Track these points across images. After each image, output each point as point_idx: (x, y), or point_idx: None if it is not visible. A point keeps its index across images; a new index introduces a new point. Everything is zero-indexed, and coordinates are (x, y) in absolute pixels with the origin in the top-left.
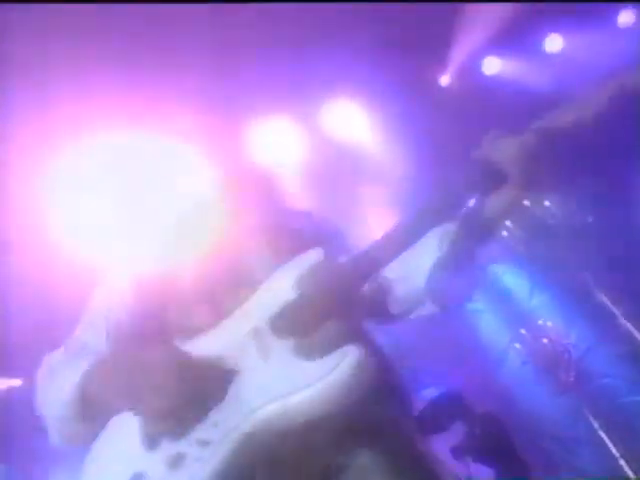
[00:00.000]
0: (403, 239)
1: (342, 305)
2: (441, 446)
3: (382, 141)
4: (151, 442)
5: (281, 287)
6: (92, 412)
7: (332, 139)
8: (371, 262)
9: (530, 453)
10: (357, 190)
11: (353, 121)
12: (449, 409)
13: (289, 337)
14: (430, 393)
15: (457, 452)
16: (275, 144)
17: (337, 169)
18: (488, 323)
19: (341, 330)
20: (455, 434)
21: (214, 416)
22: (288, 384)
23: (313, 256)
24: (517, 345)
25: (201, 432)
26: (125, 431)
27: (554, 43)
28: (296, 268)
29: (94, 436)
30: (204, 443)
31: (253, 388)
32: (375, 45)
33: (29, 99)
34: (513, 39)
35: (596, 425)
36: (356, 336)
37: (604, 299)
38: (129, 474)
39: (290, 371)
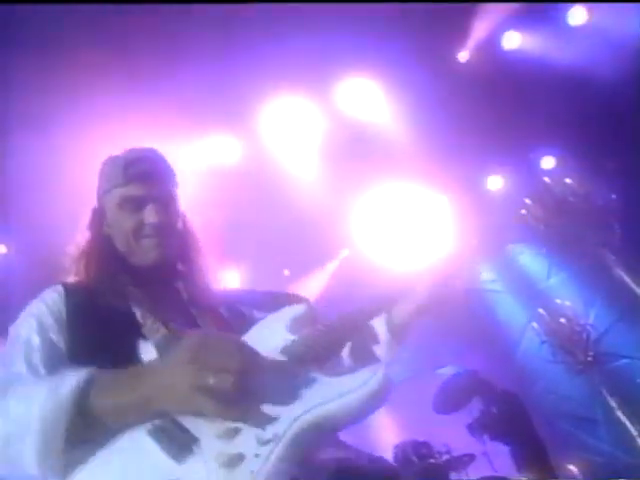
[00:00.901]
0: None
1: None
2: (458, 423)
3: (399, 118)
4: (184, 452)
5: (275, 330)
6: (89, 433)
7: (348, 116)
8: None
9: (547, 432)
10: (373, 166)
11: (370, 98)
12: (466, 387)
13: (309, 364)
14: (447, 372)
15: (474, 429)
16: (291, 122)
17: (353, 146)
18: (506, 302)
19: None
20: (472, 412)
21: (269, 414)
22: (327, 392)
23: (299, 308)
24: (535, 325)
25: (258, 432)
26: (137, 452)
27: (578, 15)
28: (284, 316)
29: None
30: (264, 442)
31: (296, 394)
32: (393, 21)
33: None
34: (534, 12)
35: (614, 404)
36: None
37: (625, 278)
38: None
39: (324, 382)
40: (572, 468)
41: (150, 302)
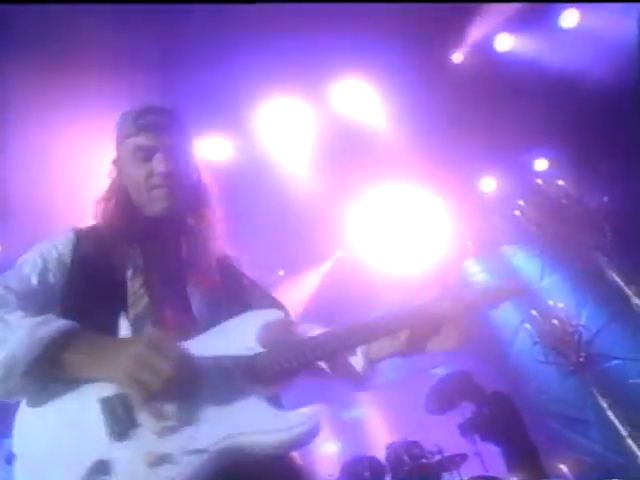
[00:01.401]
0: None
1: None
2: (450, 423)
3: (393, 119)
4: (121, 434)
5: (244, 337)
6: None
7: (342, 117)
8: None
9: (538, 432)
10: (367, 168)
11: (364, 99)
12: (458, 388)
13: (259, 384)
14: (439, 372)
15: (465, 429)
16: (286, 123)
17: (347, 147)
18: None
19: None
20: (464, 412)
21: (197, 427)
22: (260, 422)
23: (274, 314)
24: (527, 326)
25: (185, 440)
26: (81, 414)
27: (570, 18)
28: (255, 323)
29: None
30: (189, 451)
31: (220, 418)
32: (387, 22)
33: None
34: (527, 14)
35: (605, 405)
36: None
37: (617, 280)
38: (90, 460)
39: (262, 411)
40: (563, 468)
41: (148, 260)
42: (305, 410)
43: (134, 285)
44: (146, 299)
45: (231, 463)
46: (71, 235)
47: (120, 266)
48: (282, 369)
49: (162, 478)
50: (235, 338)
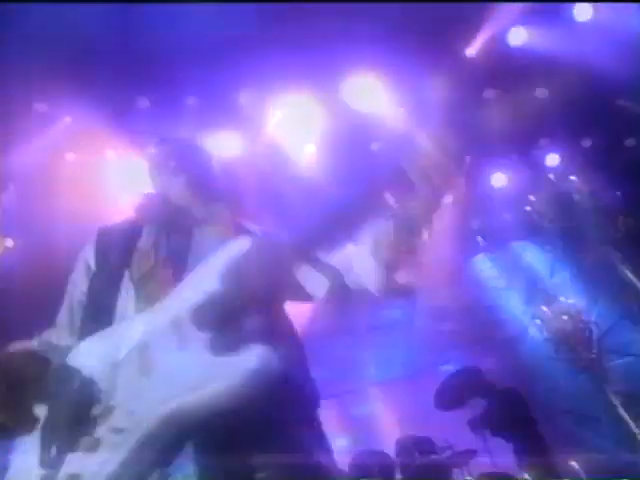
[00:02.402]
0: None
1: (264, 297)
2: (460, 419)
3: (405, 114)
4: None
5: (205, 277)
6: None
7: (354, 112)
8: (303, 245)
9: (549, 428)
10: (377, 163)
11: (375, 94)
12: (468, 384)
13: (206, 330)
14: (450, 368)
15: (475, 425)
16: (296, 118)
17: (358, 142)
18: (509, 300)
19: (255, 328)
20: (474, 408)
21: (130, 404)
22: (199, 378)
23: (239, 246)
24: (538, 322)
25: (117, 420)
26: None
27: (584, 11)
28: (222, 258)
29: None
30: (118, 430)
31: (167, 379)
32: (399, 16)
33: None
34: (540, 8)
35: (616, 402)
36: (268, 336)
37: (629, 275)
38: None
39: (202, 365)
40: (574, 464)
41: (165, 249)
42: (245, 353)
43: (142, 246)
44: (152, 260)
45: (170, 436)
46: (95, 237)
47: (135, 235)
48: (235, 308)
49: (94, 459)
50: (193, 285)
